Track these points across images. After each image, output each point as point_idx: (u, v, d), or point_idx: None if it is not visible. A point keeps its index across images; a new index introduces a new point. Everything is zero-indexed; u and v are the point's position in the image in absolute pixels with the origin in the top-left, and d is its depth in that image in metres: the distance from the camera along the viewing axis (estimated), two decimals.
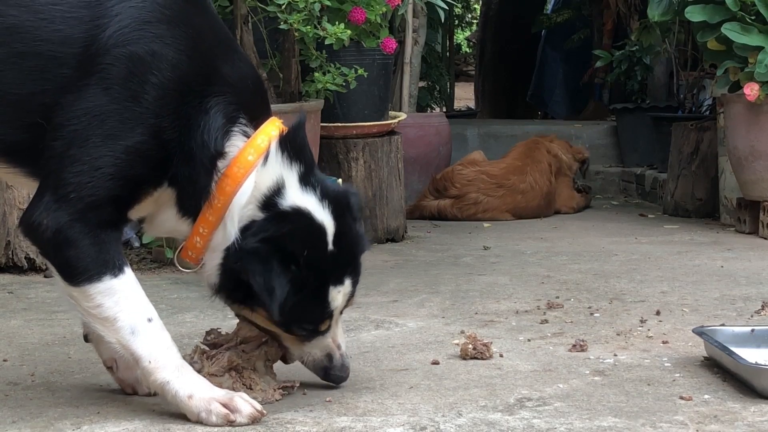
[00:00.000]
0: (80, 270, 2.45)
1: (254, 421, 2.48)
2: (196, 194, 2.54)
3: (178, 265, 2.66)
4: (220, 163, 2.53)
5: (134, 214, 2.56)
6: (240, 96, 2.56)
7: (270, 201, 2.55)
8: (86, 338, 2.82)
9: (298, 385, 2.72)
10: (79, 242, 2.44)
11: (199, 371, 2.61)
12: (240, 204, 2.54)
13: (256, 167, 2.55)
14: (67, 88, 2.45)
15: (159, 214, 2.60)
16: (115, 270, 2.48)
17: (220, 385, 2.58)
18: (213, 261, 2.59)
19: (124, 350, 2.50)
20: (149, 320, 2.50)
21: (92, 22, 2.45)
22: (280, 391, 2.68)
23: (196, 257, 2.62)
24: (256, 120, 2.59)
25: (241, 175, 2.53)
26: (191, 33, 2.52)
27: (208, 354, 2.68)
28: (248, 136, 2.56)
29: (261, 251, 2.49)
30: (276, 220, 2.54)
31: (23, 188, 4.29)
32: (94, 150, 2.44)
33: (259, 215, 2.54)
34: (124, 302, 2.48)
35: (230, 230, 2.54)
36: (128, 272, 2.50)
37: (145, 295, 2.52)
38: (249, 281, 2.50)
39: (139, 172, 2.48)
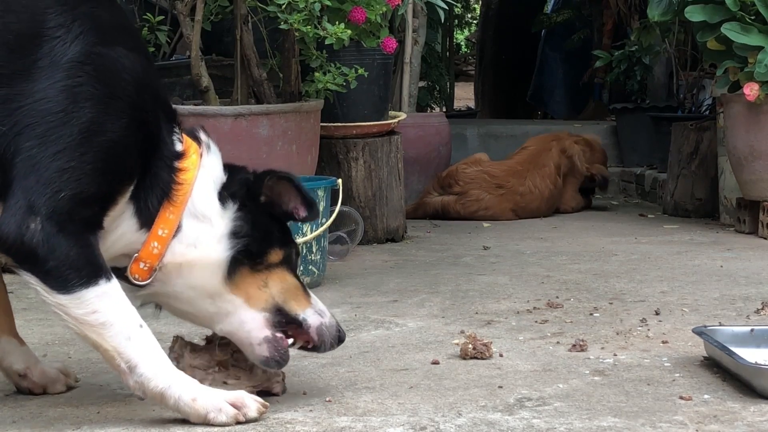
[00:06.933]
0: (74, 275, 2.36)
1: (261, 415, 2.49)
2: (157, 194, 2.51)
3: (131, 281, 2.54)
4: (177, 162, 2.54)
5: (106, 222, 2.47)
6: (166, 109, 2.60)
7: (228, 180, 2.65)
8: None
9: (284, 378, 2.71)
10: (72, 245, 2.35)
11: (176, 361, 2.59)
12: (206, 189, 2.57)
13: (203, 157, 2.61)
14: (23, 78, 2.36)
15: (115, 229, 2.50)
16: (108, 274, 2.42)
17: (202, 381, 2.56)
18: (203, 246, 2.54)
19: (119, 357, 2.42)
20: (140, 326, 2.44)
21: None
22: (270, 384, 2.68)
23: (150, 267, 2.53)
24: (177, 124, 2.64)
25: (194, 165, 2.57)
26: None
27: (193, 346, 2.66)
28: (182, 141, 2.59)
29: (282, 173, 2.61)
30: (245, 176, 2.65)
31: None
32: (78, 146, 2.36)
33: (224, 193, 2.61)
34: (118, 307, 2.42)
35: (209, 205, 2.55)
36: (115, 278, 2.44)
37: (130, 302, 2.47)
38: (284, 202, 2.61)
39: (125, 165, 2.45)
